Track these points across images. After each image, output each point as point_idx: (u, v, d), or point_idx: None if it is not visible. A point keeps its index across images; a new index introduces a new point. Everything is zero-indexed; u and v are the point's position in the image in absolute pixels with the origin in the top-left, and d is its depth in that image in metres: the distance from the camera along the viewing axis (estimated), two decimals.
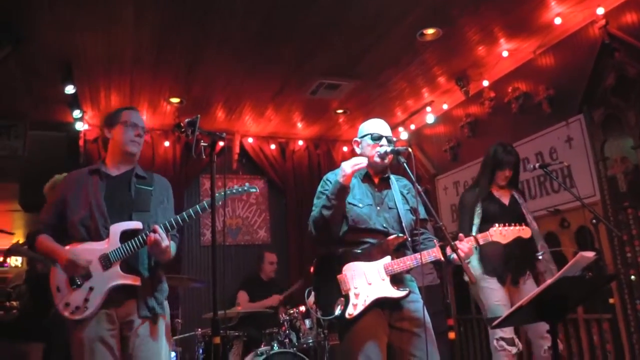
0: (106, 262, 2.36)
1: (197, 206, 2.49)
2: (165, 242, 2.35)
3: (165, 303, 2.54)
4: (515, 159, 3.62)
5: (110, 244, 2.38)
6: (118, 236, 2.39)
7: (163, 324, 2.48)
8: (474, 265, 3.49)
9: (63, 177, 3.55)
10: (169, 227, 2.43)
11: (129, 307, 2.39)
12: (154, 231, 2.33)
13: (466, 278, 3.41)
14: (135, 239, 2.38)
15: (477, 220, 3.50)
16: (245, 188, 2.64)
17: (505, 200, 3.60)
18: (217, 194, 2.51)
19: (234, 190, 2.63)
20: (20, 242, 3.94)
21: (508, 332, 3.36)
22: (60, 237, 2.50)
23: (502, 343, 3.35)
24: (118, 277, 2.36)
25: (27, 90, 5.01)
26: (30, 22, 3.90)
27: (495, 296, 3.44)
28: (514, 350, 3.33)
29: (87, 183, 2.51)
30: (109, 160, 2.62)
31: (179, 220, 2.47)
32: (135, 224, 2.42)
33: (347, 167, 2.45)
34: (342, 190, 2.48)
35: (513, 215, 3.25)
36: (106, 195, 2.48)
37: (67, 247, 2.41)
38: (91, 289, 2.34)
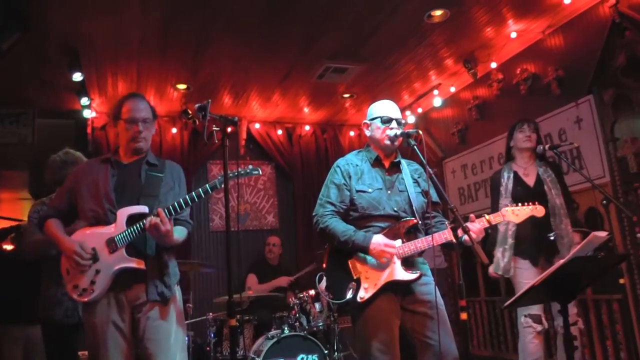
0: (112, 245, 2.39)
1: (207, 185, 2.48)
2: (166, 226, 2.34)
3: (177, 287, 2.55)
4: (532, 121, 3.66)
5: (117, 228, 2.40)
6: (124, 220, 2.40)
7: (174, 307, 2.49)
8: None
9: (58, 156, 3.45)
10: (176, 209, 2.42)
11: (138, 290, 2.41)
12: (157, 214, 2.34)
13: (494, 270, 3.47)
14: (139, 223, 2.38)
15: (506, 202, 3.50)
16: (249, 170, 2.61)
17: (531, 181, 3.57)
18: (219, 177, 2.50)
19: (236, 173, 2.59)
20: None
21: (536, 309, 3.39)
22: (69, 222, 2.56)
23: (529, 320, 3.38)
24: (123, 261, 2.38)
25: (35, 77, 5.02)
26: (39, 7, 3.90)
27: (524, 276, 3.43)
28: (539, 327, 3.36)
29: (98, 171, 2.54)
30: (121, 149, 2.64)
31: (182, 203, 2.44)
32: (141, 208, 2.43)
33: (380, 251, 2.46)
34: (362, 250, 2.52)
35: (537, 196, 3.19)
36: (116, 182, 2.50)
37: (77, 232, 2.45)
38: (97, 271, 2.38)
